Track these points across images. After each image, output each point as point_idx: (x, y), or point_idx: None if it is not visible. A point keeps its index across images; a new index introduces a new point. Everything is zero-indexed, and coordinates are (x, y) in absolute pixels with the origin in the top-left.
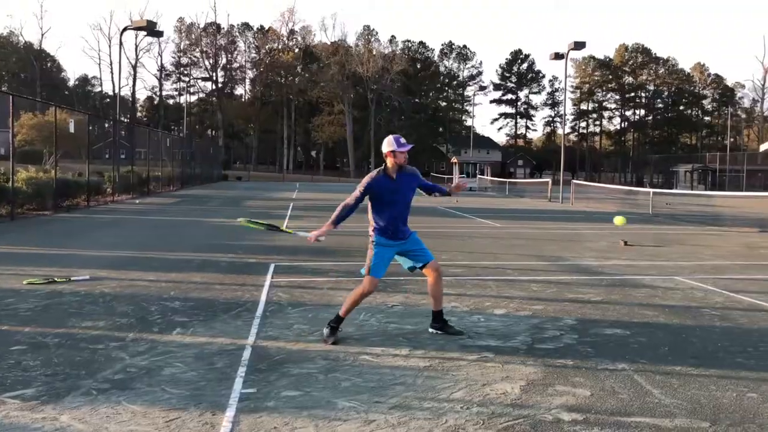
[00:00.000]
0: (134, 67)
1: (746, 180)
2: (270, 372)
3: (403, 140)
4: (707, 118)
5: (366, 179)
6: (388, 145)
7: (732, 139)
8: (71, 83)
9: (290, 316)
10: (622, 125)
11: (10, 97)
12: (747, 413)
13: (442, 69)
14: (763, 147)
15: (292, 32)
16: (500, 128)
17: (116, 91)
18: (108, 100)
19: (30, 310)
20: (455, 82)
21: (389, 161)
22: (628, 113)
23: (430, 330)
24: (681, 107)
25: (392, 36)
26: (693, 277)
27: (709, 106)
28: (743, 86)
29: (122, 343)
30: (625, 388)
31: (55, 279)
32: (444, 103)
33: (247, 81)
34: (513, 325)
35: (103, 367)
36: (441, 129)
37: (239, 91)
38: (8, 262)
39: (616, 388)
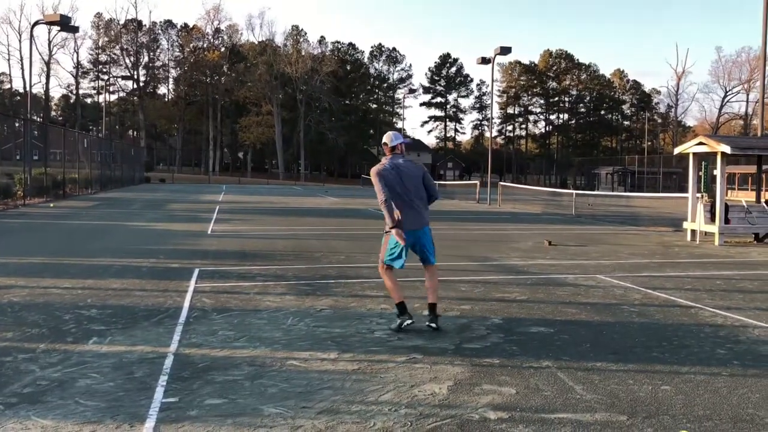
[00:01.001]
0: (48, 64)
1: (662, 181)
2: (193, 380)
3: (400, 134)
4: (626, 123)
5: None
6: (395, 137)
7: (649, 143)
8: None
9: (215, 322)
10: (547, 129)
11: None
12: (661, 405)
13: (372, 71)
14: (677, 149)
15: (217, 31)
16: (430, 131)
17: (27, 88)
18: (19, 97)
19: None
20: (385, 85)
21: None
22: (553, 117)
23: (428, 324)
24: (602, 112)
25: (321, 37)
26: (613, 275)
27: (628, 111)
28: (659, 92)
29: (32, 354)
30: (548, 385)
31: None
32: (374, 105)
33: (171, 80)
34: (442, 325)
35: (10, 380)
36: (372, 131)
37: (162, 90)
38: None
39: (540, 386)
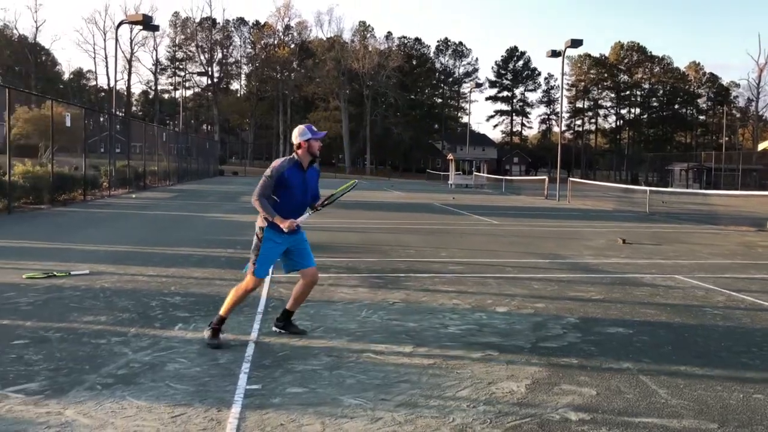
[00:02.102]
0: (129, 61)
1: (741, 179)
2: (274, 368)
3: (315, 128)
4: (702, 117)
5: (276, 166)
6: (301, 134)
7: (727, 138)
8: (66, 77)
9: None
10: (618, 123)
11: (6, 90)
12: (755, 415)
13: (437, 66)
14: (761, 146)
15: (287, 28)
16: (496, 125)
17: (111, 85)
18: (103, 93)
19: (30, 304)
20: (451, 79)
21: (301, 152)
22: (623, 111)
23: (273, 328)
24: (676, 106)
25: (388, 32)
26: (693, 275)
27: (703, 105)
28: (738, 85)
29: (124, 338)
30: (630, 388)
31: (55, 273)
32: (440, 100)
33: (243, 76)
34: (515, 323)
35: (106, 362)
36: (436, 126)
37: (235, 86)
38: (6, 256)
39: (621, 388)
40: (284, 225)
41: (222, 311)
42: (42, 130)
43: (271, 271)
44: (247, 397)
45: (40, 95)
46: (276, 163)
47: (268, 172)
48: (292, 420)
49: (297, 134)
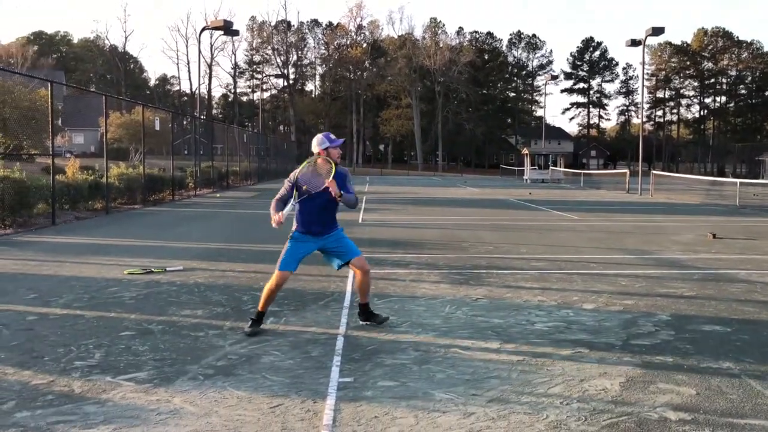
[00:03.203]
0: (210, 66)
1: None
2: (364, 362)
3: (333, 136)
4: None
5: (294, 173)
6: (320, 143)
7: None
8: (152, 83)
9: (377, 308)
10: (701, 113)
11: (103, 97)
12: None
13: (510, 59)
14: None
15: (360, 27)
16: (572, 118)
17: (194, 89)
18: (186, 98)
19: (133, 298)
20: (524, 72)
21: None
22: (708, 100)
23: (360, 322)
24: (766, 93)
25: (459, 27)
26: None
27: None
28: None
29: (221, 331)
30: (733, 389)
31: (152, 269)
32: (513, 94)
33: (317, 77)
34: (604, 320)
35: (205, 353)
36: (509, 120)
37: (309, 87)
38: (108, 253)
39: (723, 388)
40: (273, 220)
41: (260, 307)
42: (132, 134)
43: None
44: (341, 389)
45: (132, 101)
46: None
47: (289, 177)
48: (385, 413)
49: (316, 143)
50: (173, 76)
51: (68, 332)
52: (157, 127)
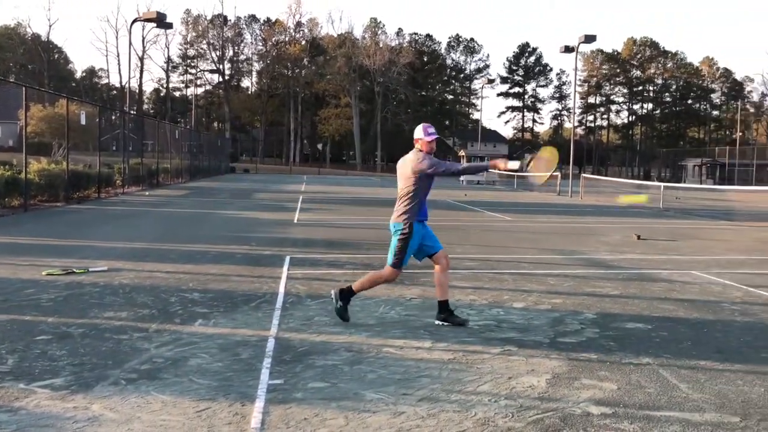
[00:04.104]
0: (141, 59)
1: (756, 174)
2: (295, 363)
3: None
4: (715, 112)
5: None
6: (429, 133)
7: (741, 134)
8: (78, 75)
9: (310, 308)
10: (630, 119)
11: (23, 88)
12: None
13: (449, 62)
14: None
15: (299, 24)
16: (507, 121)
17: (124, 83)
18: (115, 92)
19: (51, 300)
20: (462, 75)
21: (427, 148)
22: (636, 107)
23: (436, 322)
24: (689, 101)
25: (399, 28)
26: (709, 271)
27: (717, 100)
28: (752, 80)
29: (146, 333)
30: (651, 383)
31: (74, 270)
32: (451, 96)
33: (254, 73)
34: (533, 318)
35: (129, 357)
36: (448, 122)
37: (246, 83)
38: (25, 253)
39: (642, 382)
40: (505, 164)
41: (356, 287)
42: (56, 128)
43: (286, 268)
44: (270, 391)
45: (55, 93)
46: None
47: (436, 160)
48: (315, 414)
49: (423, 132)
50: (102, 69)
51: None
52: (83, 122)
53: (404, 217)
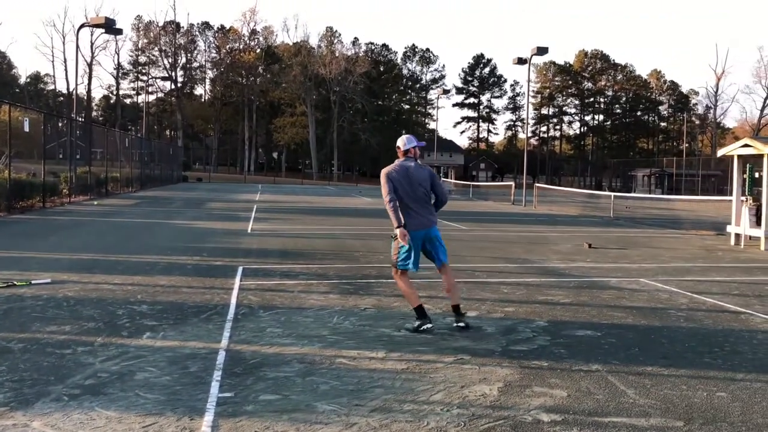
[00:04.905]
0: (90, 65)
1: (701, 184)
2: (246, 376)
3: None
4: (663, 124)
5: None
6: (409, 141)
7: (687, 145)
8: (23, 80)
9: (262, 320)
10: (582, 130)
11: None
12: (718, 412)
13: (405, 72)
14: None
15: (253, 32)
16: (463, 132)
17: (71, 89)
18: (62, 98)
19: None
20: (418, 85)
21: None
22: (588, 118)
23: (455, 324)
24: (638, 113)
25: (355, 38)
26: (657, 278)
27: (665, 112)
28: (697, 93)
29: (91, 347)
30: (600, 389)
31: (15, 282)
32: (407, 106)
33: (207, 81)
34: (486, 327)
35: (72, 372)
36: (404, 132)
37: (199, 91)
38: None
39: (591, 389)
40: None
41: (412, 304)
42: None
43: (238, 279)
44: (220, 405)
45: None
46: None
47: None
48: (266, 427)
49: (405, 142)
50: (47, 74)
51: None
52: (27, 129)
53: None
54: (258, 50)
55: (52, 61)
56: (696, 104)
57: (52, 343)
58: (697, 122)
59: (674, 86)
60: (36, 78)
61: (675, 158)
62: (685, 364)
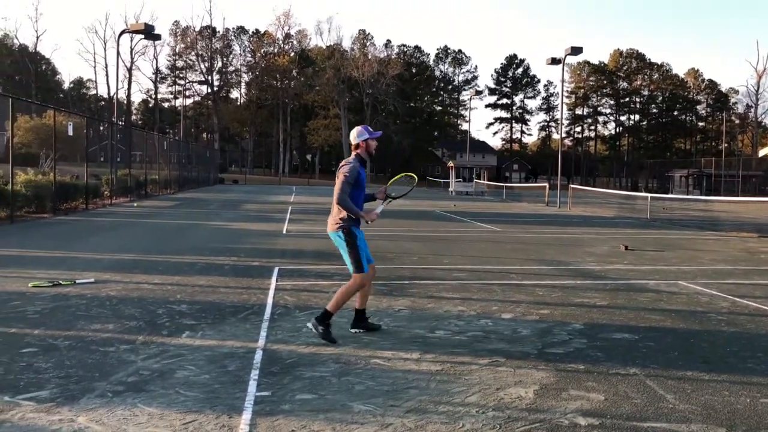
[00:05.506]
0: (129, 70)
1: (741, 185)
2: (283, 375)
3: (371, 128)
4: (701, 124)
5: (351, 167)
6: (359, 135)
7: (726, 145)
8: (66, 86)
9: (298, 320)
10: (617, 130)
11: (9, 99)
12: (762, 419)
13: (437, 73)
14: (762, 152)
15: (287, 36)
16: (495, 133)
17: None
18: (103, 102)
19: (37, 312)
20: (450, 87)
21: (361, 151)
22: (623, 118)
23: (351, 330)
24: (675, 112)
25: (388, 40)
26: (696, 281)
27: (703, 112)
28: (737, 92)
29: (133, 345)
30: (638, 393)
31: (60, 282)
32: (439, 108)
33: (243, 84)
34: (521, 329)
35: (115, 369)
36: (436, 133)
37: (235, 94)
38: (11, 265)
39: (629, 393)
40: (370, 217)
41: (332, 308)
42: (43, 138)
43: (274, 279)
44: (258, 403)
45: (43, 104)
46: (348, 165)
47: (346, 173)
48: (302, 426)
49: (355, 135)
50: (89, 80)
51: None
52: (71, 133)
53: (340, 224)
54: (292, 54)
55: (94, 67)
56: (736, 103)
57: (96, 340)
58: (737, 121)
59: (713, 85)
60: (79, 83)
61: (714, 158)
62: (727, 369)
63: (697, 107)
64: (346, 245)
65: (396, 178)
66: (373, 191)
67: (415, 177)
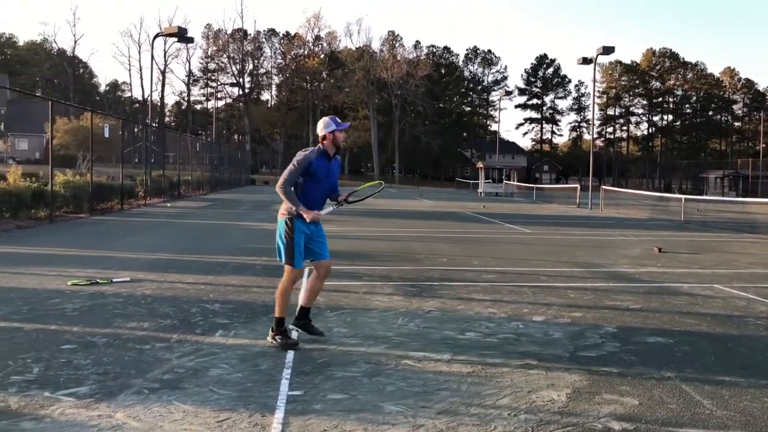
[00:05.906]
0: (163, 73)
1: None
2: (314, 375)
3: (339, 120)
4: (737, 124)
5: (304, 156)
6: (326, 126)
7: (764, 145)
8: (102, 89)
9: (329, 320)
10: (650, 131)
11: (50, 102)
12: None
13: (466, 74)
14: None
15: (317, 38)
16: (525, 133)
17: (146, 96)
18: (137, 105)
19: (76, 310)
20: (480, 87)
21: (327, 143)
22: (656, 118)
23: (289, 327)
24: (710, 112)
25: (417, 41)
26: (732, 285)
27: (739, 112)
28: None
29: (168, 344)
30: (673, 398)
31: (98, 280)
32: (468, 108)
33: (273, 86)
34: (553, 332)
35: (151, 367)
36: (465, 134)
37: (265, 96)
38: (51, 264)
39: (664, 398)
40: (308, 216)
41: (277, 313)
42: (80, 140)
43: (305, 280)
44: (290, 402)
45: (80, 107)
46: (303, 152)
47: (295, 161)
48: (334, 426)
49: (322, 126)
50: (124, 82)
51: (5, 346)
52: (107, 134)
53: (284, 214)
54: (322, 56)
55: (129, 70)
56: None
57: (132, 338)
58: None
59: (749, 84)
60: (114, 86)
61: (750, 159)
62: (767, 375)
63: (733, 107)
64: (284, 235)
65: (367, 184)
66: (347, 190)
67: (382, 183)
